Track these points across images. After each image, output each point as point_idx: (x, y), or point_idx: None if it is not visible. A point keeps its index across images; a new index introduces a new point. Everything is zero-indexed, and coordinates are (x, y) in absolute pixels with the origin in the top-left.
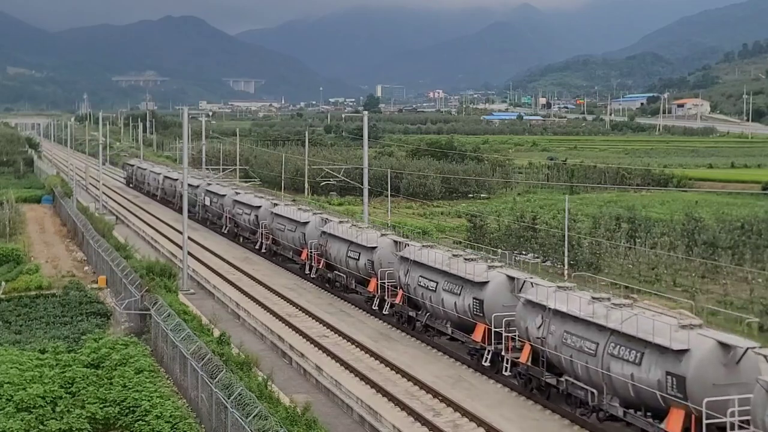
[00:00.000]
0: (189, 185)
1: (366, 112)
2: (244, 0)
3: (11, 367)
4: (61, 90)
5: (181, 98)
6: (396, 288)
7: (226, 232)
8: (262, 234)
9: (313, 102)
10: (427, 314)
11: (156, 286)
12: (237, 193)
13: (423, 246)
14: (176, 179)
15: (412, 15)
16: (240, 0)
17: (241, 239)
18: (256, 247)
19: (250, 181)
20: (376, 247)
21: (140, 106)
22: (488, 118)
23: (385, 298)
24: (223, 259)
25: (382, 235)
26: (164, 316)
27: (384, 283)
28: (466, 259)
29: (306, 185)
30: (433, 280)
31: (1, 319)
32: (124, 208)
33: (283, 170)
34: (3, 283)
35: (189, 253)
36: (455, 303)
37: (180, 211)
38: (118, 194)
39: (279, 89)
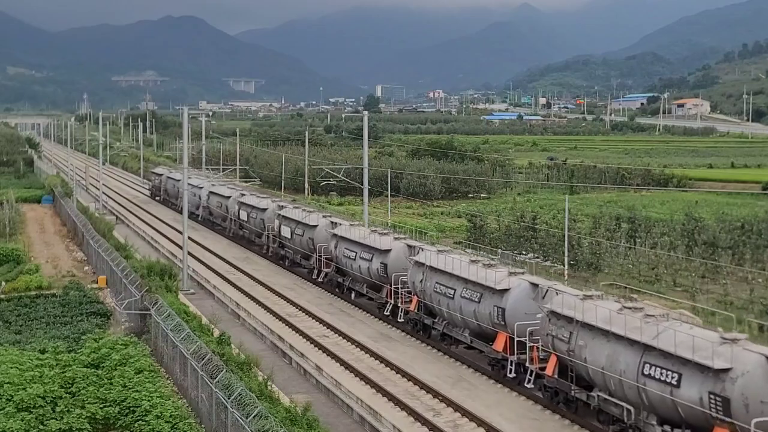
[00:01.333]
0: (252, 207)
1: (366, 112)
2: (244, 0)
3: (11, 367)
4: (61, 90)
5: (181, 98)
6: None
7: (321, 279)
8: (397, 293)
9: (313, 102)
10: None
11: (156, 286)
12: (335, 225)
13: None
14: (228, 197)
15: (412, 15)
16: (240, 0)
17: (353, 294)
18: (386, 312)
19: (250, 181)
20: (729, 370)
21: (140, 106)
22: (488, 118)
23: None
24: (223, 259)
25: (726, 340)
26: (164, 316)
27: None
28: None
29: (306, 185)
30: None
31: (1, 319)
32: (124, 207)
33: (283, 170)
34: (3, 283)
35: (189, 253)
36: None
37: (235, 236)
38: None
39: (279, 89)
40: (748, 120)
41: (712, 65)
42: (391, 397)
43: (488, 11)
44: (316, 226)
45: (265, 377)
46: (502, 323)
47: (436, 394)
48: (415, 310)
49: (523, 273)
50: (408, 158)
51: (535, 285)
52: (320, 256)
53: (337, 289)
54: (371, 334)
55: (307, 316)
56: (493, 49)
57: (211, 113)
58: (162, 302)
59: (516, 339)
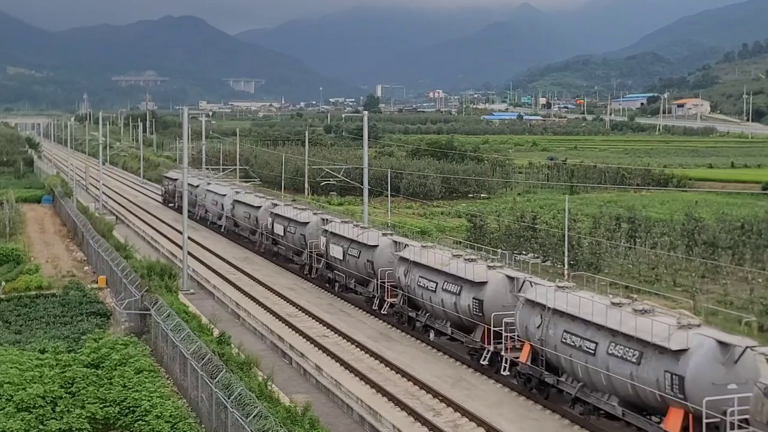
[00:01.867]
0: (290, 220)
1: (366, 112)
2: (244, 0)
3: (11, 367)
4: (61, 90)
5: (181, 98)
6: None
7: (385, 311)
8: (498, 337)
9: (313, 102)
10: None
11: (156, 286)
12: (400, 245)
13: None
14: (258, 207)
15: (412, 15)
16: (240, 0)
17: (432, 333)
18: (483, 361)
19: (249, 181)
20: None
21: (140, 106)
22: (488, 118)
23: None
24: (223, 259)
25: None
26: (164, 316)
27: None
28: None
29: (306, 185)
30: None
31: (1, 319)
32: (124, 208)
33: (283, 170)
34: (3, 283)
35: (189, 253)
36: None
37: (267, 253)
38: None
39: (279, 89)
40: (748, 120)
41: (712, 65)
42: (391, 397)
43: (488, 11)
44: (376, 246)
45: (265, 377)
46: (680, 396)
47: (436, 394)
48: (528, 362)
49: (699, 325)
50: (408, 158)
51: (725, 345)
52: (383, 282)
53: (406, 324)
54: (371, 334)
55: (306, 316)
56: (493, 49)
57: (211, 113)
58: (162, 302)
59: (705, 420)
